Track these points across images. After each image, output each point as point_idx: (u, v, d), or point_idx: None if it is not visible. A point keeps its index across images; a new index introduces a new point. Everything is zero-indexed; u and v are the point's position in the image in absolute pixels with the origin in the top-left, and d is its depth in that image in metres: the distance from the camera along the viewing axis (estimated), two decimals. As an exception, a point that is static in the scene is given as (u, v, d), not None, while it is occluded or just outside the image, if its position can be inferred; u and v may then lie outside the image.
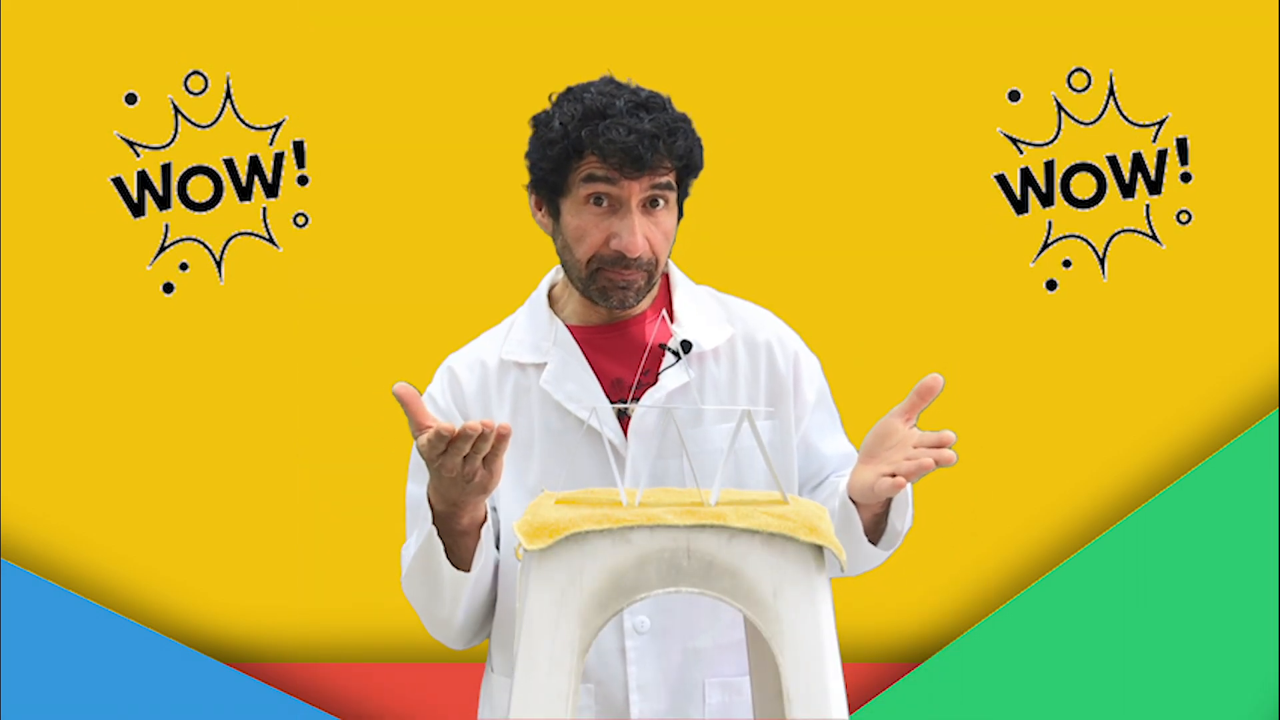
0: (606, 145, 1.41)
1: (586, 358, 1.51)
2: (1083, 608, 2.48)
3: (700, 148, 1.49)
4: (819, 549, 1.04)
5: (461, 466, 1.25)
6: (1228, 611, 2.45)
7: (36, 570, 2.50)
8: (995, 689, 2.48)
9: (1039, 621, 2.49)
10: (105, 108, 2.55)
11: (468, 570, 1.40)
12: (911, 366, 2.54)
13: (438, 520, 1.36)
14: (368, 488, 2.41)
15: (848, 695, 1.03)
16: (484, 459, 1.25)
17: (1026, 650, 2.49)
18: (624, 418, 1.50)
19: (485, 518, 1.40)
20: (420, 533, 1.39)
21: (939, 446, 1.34)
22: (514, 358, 1.54)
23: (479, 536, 1.40)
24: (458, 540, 1.38)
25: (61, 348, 2.54)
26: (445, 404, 1.55)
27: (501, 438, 1.24)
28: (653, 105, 1.45)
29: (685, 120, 1.47)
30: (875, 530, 1.47)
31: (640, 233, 1.44)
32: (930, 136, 2.58)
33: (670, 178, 1.46)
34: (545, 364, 1.52)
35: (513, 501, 1.49)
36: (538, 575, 1.04)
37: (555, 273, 1.60)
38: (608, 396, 1.50)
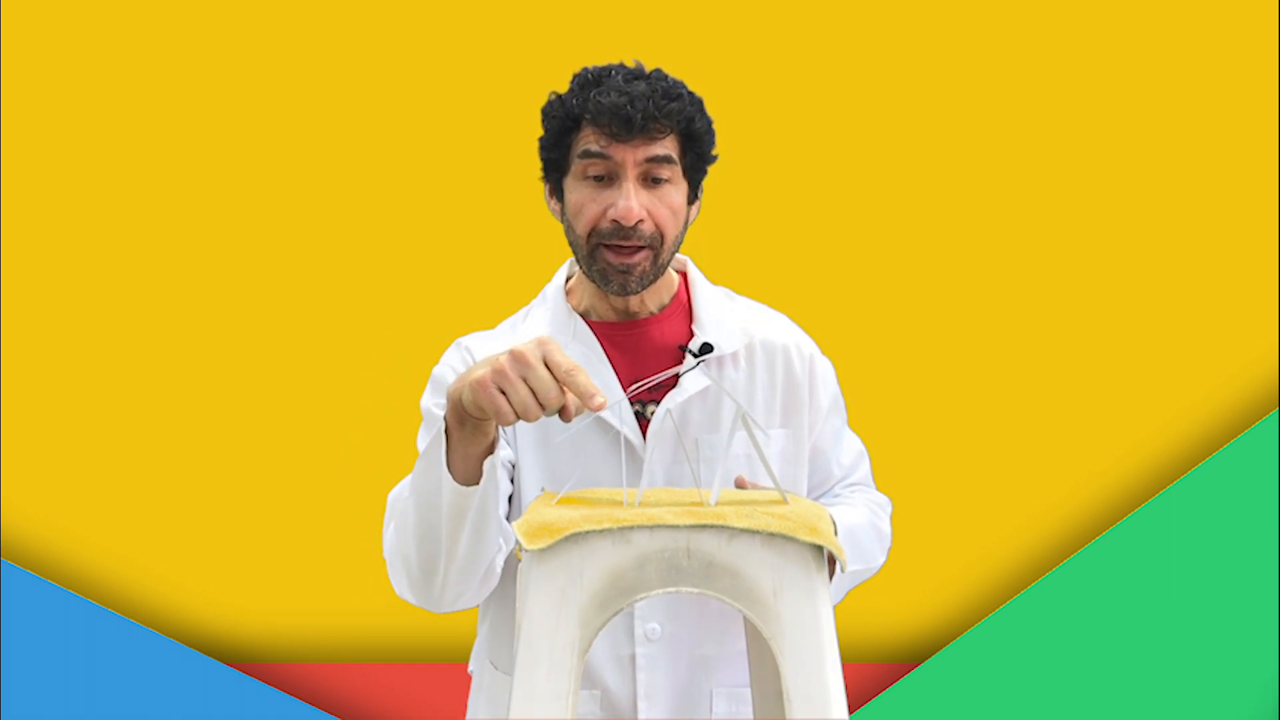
0: (596, 108, 1.38)
1: (605, 355, 1.49)
2: (1083, 608, 2.48)
3: (705, 120, 1.44)
4: (819, 549, 1.04)
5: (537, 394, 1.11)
6: (1228, 611, 2.45)
7: (36, 570, 2.50)
8: (995, 689, 2.48)
9: (1039, 621, 2.49)
10: (106, 107, 2.55)
11: (472, 484, 1.24)
12: (913, 365, 2.56)
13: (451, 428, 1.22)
14: (368, 488, 2.40)
15: (848, 695, 1.03)
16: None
17: (1026, 650, 2.49)
18: (643, 420, 1.47)
19: (494, 445, 1.25)
20: (430, 439, 1.25)
21: None
22: None
23: (479, 457, 1.24)
24: (467, 450, 1.22)
25: (61, 348, 2.54)
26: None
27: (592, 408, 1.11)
28: (653, 76, 1.41)
29: (689, 94, 1.42)
30: None
31: (637, 201, 1.39)
32: (931, 136, 2.58)
33: (669, 147, 1.41)
34: None
35: (527, 497, 1.48)
36: (538, 575, 1.03)
37: (570, 264, 1.57)
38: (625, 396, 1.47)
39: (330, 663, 2.52)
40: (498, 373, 1.13)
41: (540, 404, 1.12)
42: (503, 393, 1.13)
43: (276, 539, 2.53)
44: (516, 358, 1.12)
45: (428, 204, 2.57)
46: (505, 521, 1.40)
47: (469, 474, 1.25)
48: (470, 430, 1.21)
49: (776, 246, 2.54)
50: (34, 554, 2.51)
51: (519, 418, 1.13)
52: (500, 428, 1.44)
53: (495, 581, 1.38)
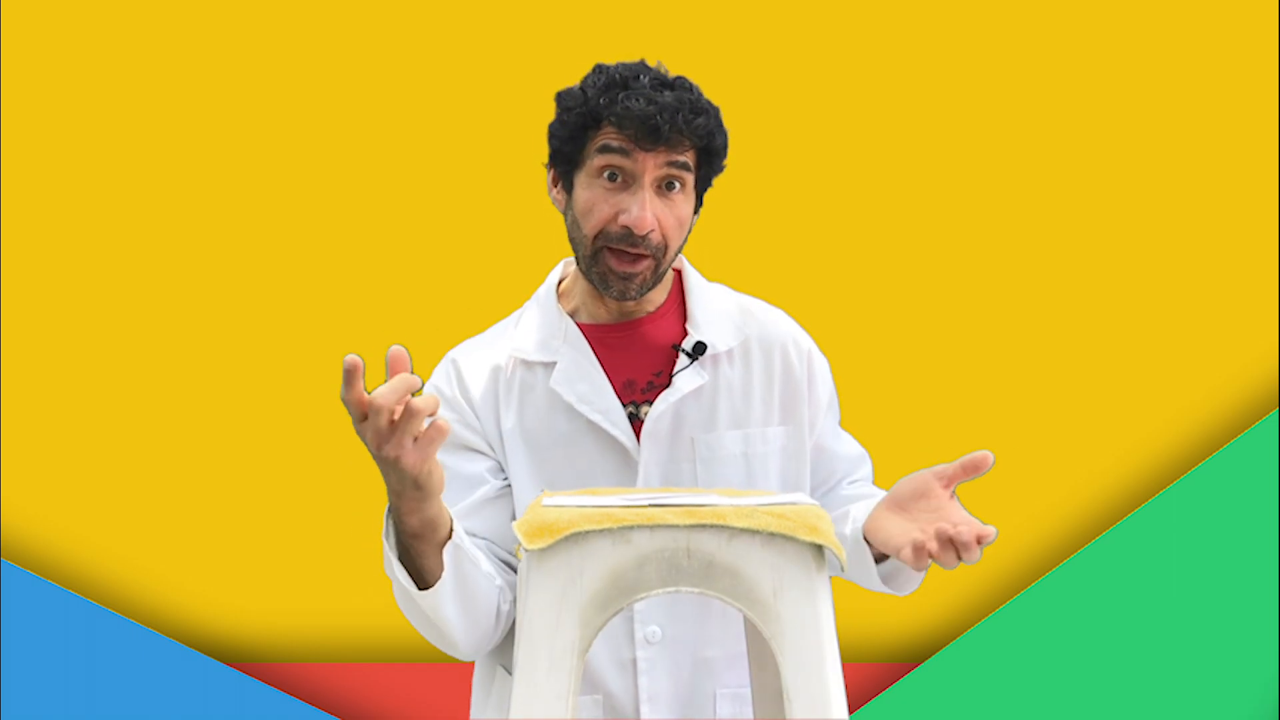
0: (623, 113, 1.36)
1: (598, 357, 1.47)
2: (1083, 608, 2.49)
3: (724, 135, 1.43)
4: (819, 549, 1.04)
5: (380, 444, 1.18)
6: (1228, 611, 2.45)
7: (36, 570, 2.50)
8: (995, 689, 2.48)
9: (1039, 621, 2.49)
10: (105, 107, 2.55)
11: (426, 587, 1.28)
12: (912, 365, 2.56)
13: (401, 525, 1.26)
14: (367, 487, 2.39)
15: (848, 695, 1.03)
16: (409, 444, 1.18)
17: (1026, 650, 2.49)
18: (635, 420, 1.46)
19: (448, 533, 1.27)
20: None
21: (979, 540, 1.27)
22: (522, 355, 1.47)
23: (438, 546, 1.27)
24: (413, 545, 1.26)
25: (61, 348, 2.54)
26: (451, 394, 1.48)
27: (412, 416, 1.17)
28: (679, 85, 1.40)
29: (711, 106, 1.42)
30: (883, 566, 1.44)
31: (650, 210, 1.38)
32: (930, 135, 2.58)
33: (688, 157, 1.40)
34: (555, 363, 1.46)
35: (521, 503, 1.46)
36: (538, 575, 1.04)
37: (564, 265, 1.56)
38: (619, 397, 1.45)
39: (330, 663, 2.52)
40: (361, 433, 1.22)
41: (373, 416, 1.19)
42: (365, 436, 1.20)
43: (276, 539, 2.52)
44: (352, 412, 1.21)
45: (424, 206, 2.57)
46: (500, 564, 1.43)
47: (439, 534, 1.27)
48: (411, 487, 1.22)
49: (775, 246, 2.54)
50: (34, 554, 2.51)
51: (386, 428, 1.19)
52: (495, 463, 1.47)
53: (512, 620, 1.41)
